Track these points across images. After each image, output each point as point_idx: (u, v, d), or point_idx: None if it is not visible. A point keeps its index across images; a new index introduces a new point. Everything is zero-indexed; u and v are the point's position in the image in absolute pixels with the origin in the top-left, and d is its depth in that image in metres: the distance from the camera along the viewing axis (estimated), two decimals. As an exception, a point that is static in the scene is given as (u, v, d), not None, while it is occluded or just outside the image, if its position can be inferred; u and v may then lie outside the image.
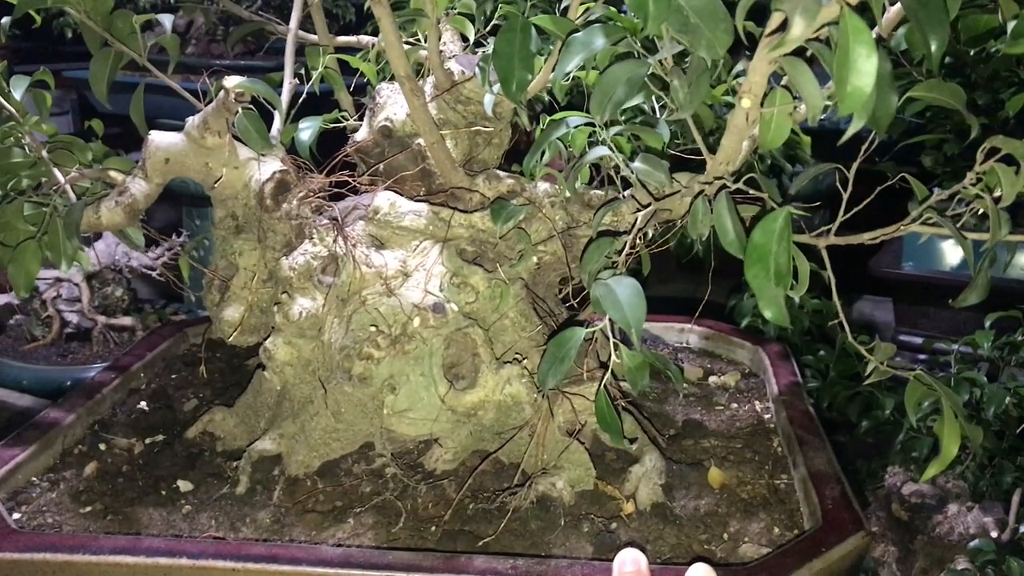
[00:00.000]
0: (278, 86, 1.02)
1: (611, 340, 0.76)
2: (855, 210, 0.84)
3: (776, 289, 0.67)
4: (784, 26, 0.61)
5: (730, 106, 1.03)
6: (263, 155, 0.90)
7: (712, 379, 1.17)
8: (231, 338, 0.93)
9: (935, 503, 1.51)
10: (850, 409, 1.66)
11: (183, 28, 3.15)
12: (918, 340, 2.12)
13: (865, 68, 0.53)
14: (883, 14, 0.80)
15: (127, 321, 2.12)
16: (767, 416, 1.07)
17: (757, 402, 1.10)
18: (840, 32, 0.53)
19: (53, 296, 2.11)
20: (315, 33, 1.10)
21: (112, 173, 0.91)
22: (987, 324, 1.52)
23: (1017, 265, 2.03)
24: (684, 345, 1.28)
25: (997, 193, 0.76)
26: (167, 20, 0.91)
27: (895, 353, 2.17)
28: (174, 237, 2.18)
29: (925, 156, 2.07)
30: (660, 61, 0.77)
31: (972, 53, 1.85)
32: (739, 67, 1.05)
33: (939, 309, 2.16)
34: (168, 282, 2.14)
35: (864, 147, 0.82)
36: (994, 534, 1.41)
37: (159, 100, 1.11)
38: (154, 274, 2.12)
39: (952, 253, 2.16)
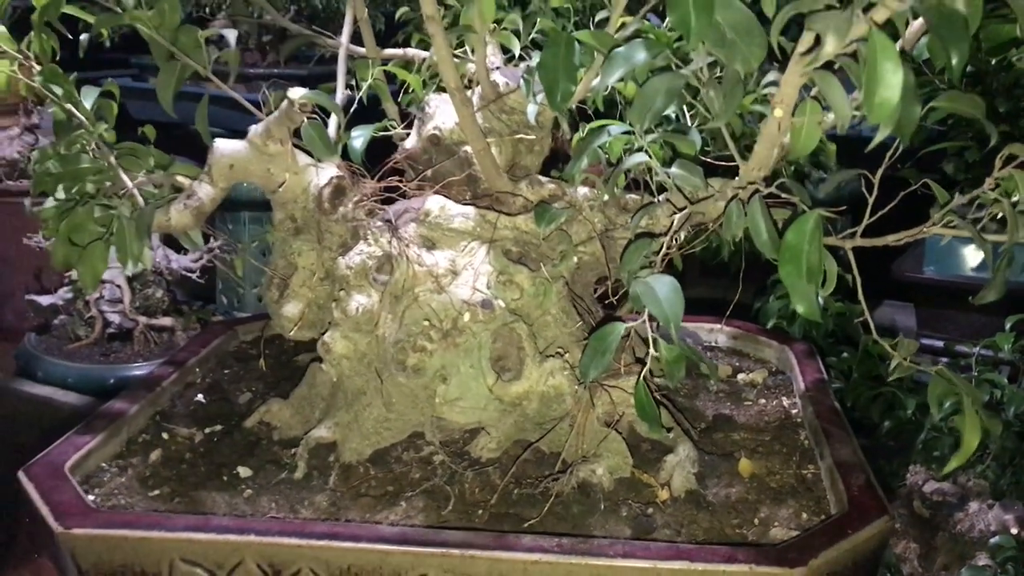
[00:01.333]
0: (330, 95, 1.08)
1: (650, 335, 0.81)
2: (880, 213, 0.88)
3: (808, 286, 0.72)
4: (816, 44, 0.66)
5: (758, 115, 1.08)
6: (320, 162, 0.96)
7: (740, 376, 1.22)
8: (291, 332, 0.99)
9: (956, 501, 1.55)
10: (873, 409, 1.71)
11: (217, 36, 3.24)
12: (939, 343, 2.15)
13: (892, 82, 0.58)
14: (906, 28, 0.84)
15: (167, 322, 2.20)
16: (794, 411, 1.12)
17: (784, 398, 1.15)
18: (868, 48, 0.59)
19: (96, 297, 2.18)
20: (363, 46, 1.16)
21: (179, 178, 0.97)
22: (1007, 327, 1.56)
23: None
24: (713, 344, 1.33)
25: (1015, 198, 0.81)
26: (231, 35, 0.97)
27: (917, 357, 2.19)
28: (211, 241, 2.25)
29: (947, 163, 2.11)
30: (696, 74, 0.82)
31: (993, 62, 1.89)
32: (768, 78, 1.10)
33: (960, 312, 2.20)
34: (202, 285, 2.23)
35: (888, 154, 0.86)
36: (1014, 531, 1.45)
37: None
38: (194, 276, 2.20)
39: (972, 257, 2.19)
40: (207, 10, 2.60)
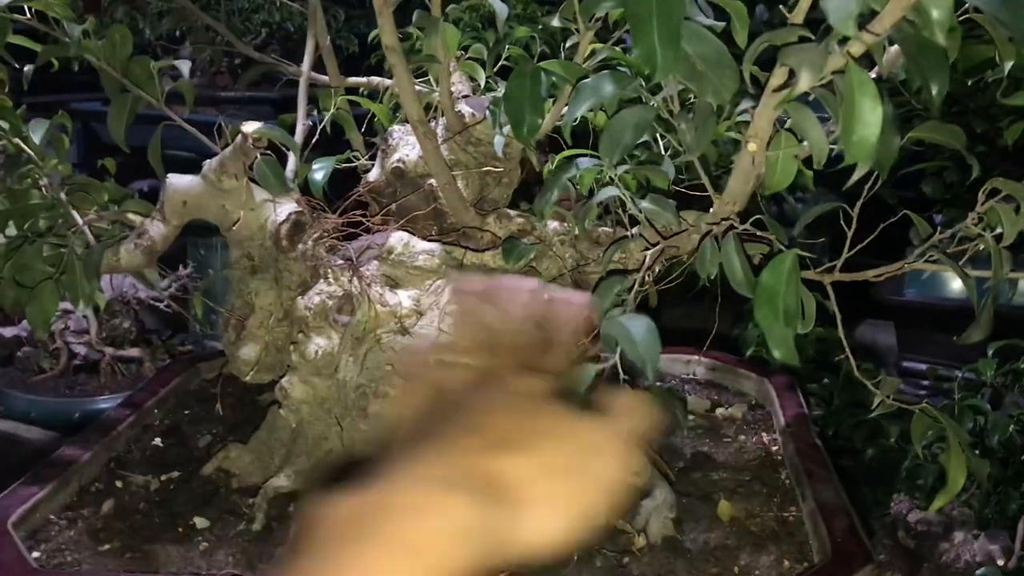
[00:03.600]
0: (291, 126, 1.04)
1: (622, 378, 0.78)
2: (858, 247, 0.86)
3: (785, 329, 0.69)
4: (790, 77, 0.63)
5: (735, 142, 1.05)
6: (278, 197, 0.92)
7: (719, 411, 1.18)
8: (248, 376, 0.94)
9: (941, 531, 1.52)
10: (856, 436, 1.67)
11: (188, 60, 3.19)
12: (922, 366, 2.13)
13: (870, 120, 0.55)
14: (883, 54, 0.81)
15: (135, 353, 2.14)
16: (775, 448, 1.08)
17: (764, 434, 1.12)
18: (846, 84, 0.55)
19: (61, 328, 2.12)
20: (326, 74, 1.13)
21: (131, 215, 0.93)
22: (990, 352, 1.54)
23: (1020, 292, 2.04)
24: (691, 376, 1.29)
25: (998, 230, 0.78)
26: (184, 66, 0.93)
27: (900, 380, 2.17)
28: (180, 269, 2.20)
29: (925, 184, 2.09)
30: (667, 105, 0.79)
31: (970, 83, 1.88)
32: (743, 105, 1.07)
33: (942, 335, 2.18)
34: (174, 313, 2.18)
35: (868, 183, 0.83)
36: (1000, 562, 1.41)
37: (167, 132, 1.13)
38: (161, 306, 2.14)
39: (954, 280, 2.17)
40: (175, 34, 2.55)
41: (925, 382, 2.06)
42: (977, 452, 1.56)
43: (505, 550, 0.37)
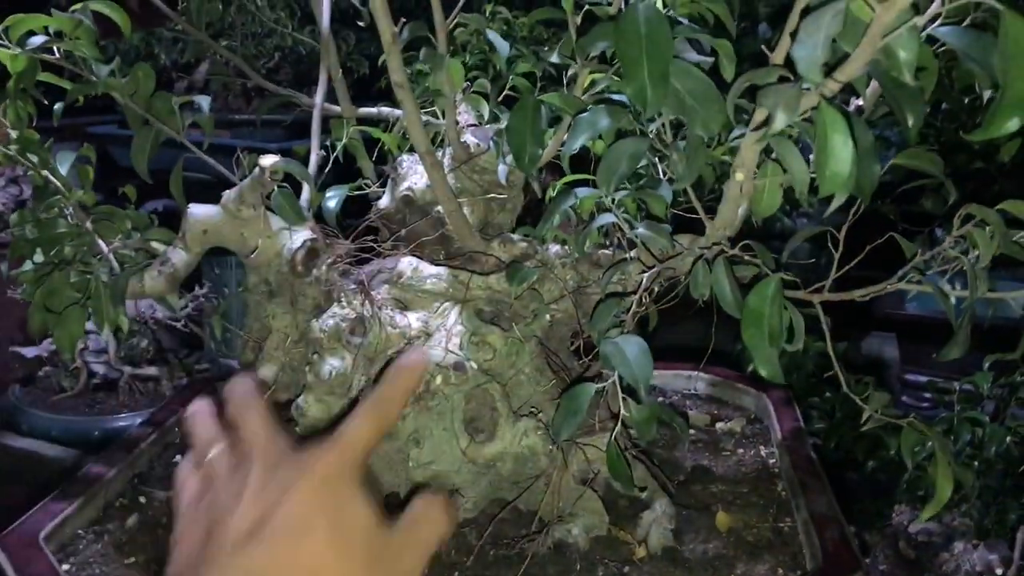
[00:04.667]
0: (305, 156, 1.09)
1: (620, 396, 0.82)
2: (846, 269, 0.90)
3: (770, 349, 0.73)
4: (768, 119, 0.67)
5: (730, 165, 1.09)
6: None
7: (719, 425, 1.22)
8: (266, 396, 0.99)
9: (941, 541, 1.55)
10: (857, 448, 1.71)
11: (202, 83, 3.26)
12: (924, 379, 2.16)
13: (842, 155, 0.59)
14: (867, 87, 0.86)
15: (152, 371, 2.19)
16: (771, 461, 1.12)
17: (762, 447, 1.16)
18: (818, 123, 0.60)
19: (81, 348, 2.18)
20: (338, 104, 1.18)
21: (154, 244, 0.98)
22: (986, 366, 1.57)
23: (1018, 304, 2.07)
24: (692, 392, 1.33)
25: (976, 252, 0.83)
26: (204, 101, 0.98)
27: (902, 392, 2.20)
28: (196, 289, 2.26)
29: (925, 199, 2.13)
30: (660, 134, 0.84)
31: (966, 101, 1.91)
32: (737, 132, 1.11)
33: (943, 347, 2.21)
34: (190, 332, 2.23)
35: (869, 202, 0.87)
36: (999, 572, 1.44)
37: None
38: (178, 325, 2.20)
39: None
40: (189, 62, 2.61)
41: (927, 394, 2.09)
42: (976, 463, 1.59)
43: None
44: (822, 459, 1.72)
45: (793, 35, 0.59)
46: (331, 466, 0.44)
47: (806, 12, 0.58)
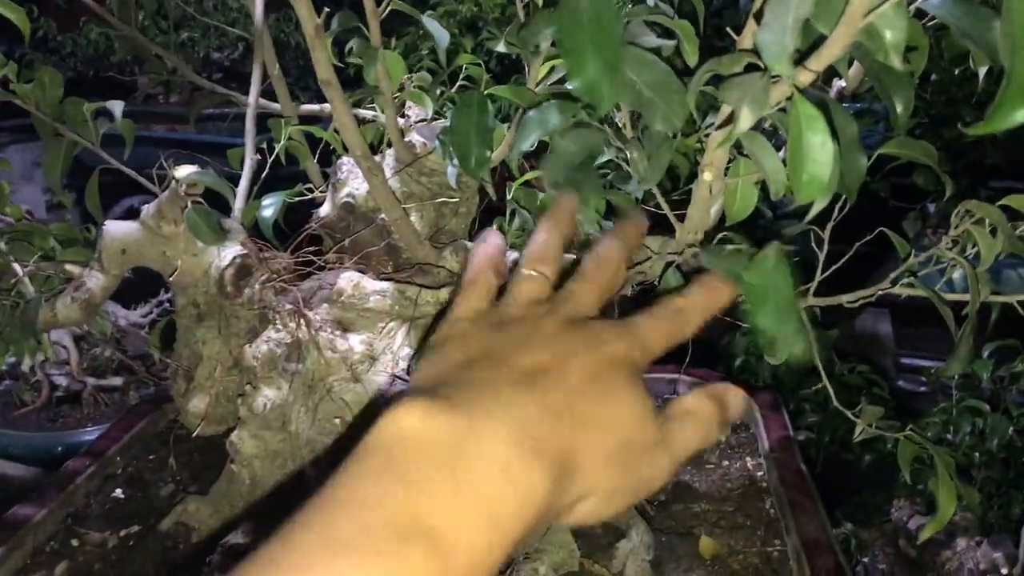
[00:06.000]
0: (242, 159, 1.00)
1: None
2: (833, 268, 0.82)
3: (790, 326, 0.63)
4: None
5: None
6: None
7: (703, 434, 1.13)
8: (197, 430, 0.90)
9: (943, 538, 1.48)
10: (852, 442, 1.63)
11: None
12: (921, 363, 2.09)
13: (821, 158, 0.50)
14: (849, 69, 0.77)
15: (117, 381, 2.10)
16: (759, 474, 1.03)
17: (748, 458, 1.07)
18: (792, 121, 0.51)
19: (41, 360, 2.08)
20: (277, 102, 1.08)
21: (68, 267, 0.89)
22: (985, 353, 1.49)
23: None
24: (675, 396, 1.25)
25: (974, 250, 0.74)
26: (117, 108, 0.89)
27: (898, 376, 2.11)
28: (162, 293, 2.16)
29: (917, 175, 2.05)
30: (618, 131, 0.74)
31: (956, 72, 1.83)
32: (710, 119, 1.02)
33: (939, 331, 2.13)
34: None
35: (838, 206, 0.79)
36: (1004, 570, 1.37)
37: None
38: (142, 332, 2.10)
39: (951, 275, 2.13)
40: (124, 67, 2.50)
41: (924, 379, 2.01)
42: (977, 455, 1.52)
43: (549, 522, 0.40)
44: (816, 455, 1.64)
45: (758, 17, 0.50)
46: (620, 351, 0.46)
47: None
